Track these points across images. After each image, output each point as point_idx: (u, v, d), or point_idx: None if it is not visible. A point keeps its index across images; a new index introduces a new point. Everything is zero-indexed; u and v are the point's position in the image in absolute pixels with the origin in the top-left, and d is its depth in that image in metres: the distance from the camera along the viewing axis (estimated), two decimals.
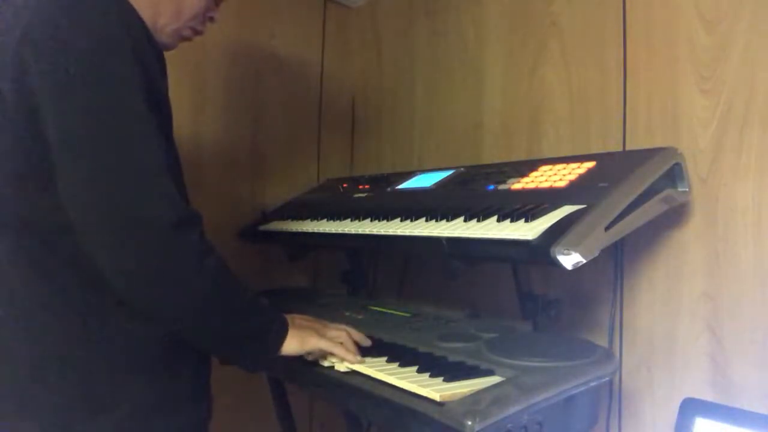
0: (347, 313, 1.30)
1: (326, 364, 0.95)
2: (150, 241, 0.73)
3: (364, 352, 0.97)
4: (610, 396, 1.20)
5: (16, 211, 0.78)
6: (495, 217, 0.95)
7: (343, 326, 1.00)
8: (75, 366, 0.78)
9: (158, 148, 0.78)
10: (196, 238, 0.78)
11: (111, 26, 0.76)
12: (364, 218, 1.21)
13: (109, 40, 0.75)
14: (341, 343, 0.95)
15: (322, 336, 0.94)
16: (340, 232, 1.21)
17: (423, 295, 1.56)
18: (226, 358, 0.91)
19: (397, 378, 0.84)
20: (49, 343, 0.78)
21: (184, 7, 0.95)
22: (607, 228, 0.86)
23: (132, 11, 0.80)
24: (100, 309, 0.79)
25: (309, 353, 0.93)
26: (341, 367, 0.94)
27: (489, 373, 0.86)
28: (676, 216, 1.11)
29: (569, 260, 0.79)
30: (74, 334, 0.78)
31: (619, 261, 1.21)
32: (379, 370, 0.88)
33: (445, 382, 0.81)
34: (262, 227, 1.53)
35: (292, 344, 0.89)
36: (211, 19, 1.04)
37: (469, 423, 0.69)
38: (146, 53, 0.79)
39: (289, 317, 0.92)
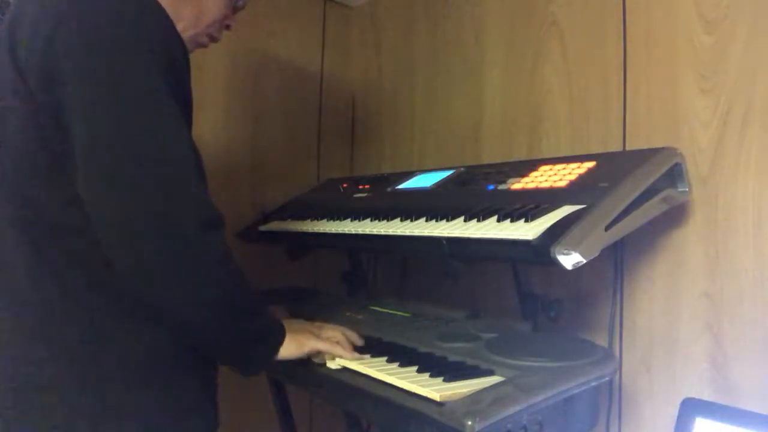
0: (347, 313, 1.29)
1: (317, 360, 0.96)
2: (176, 241, 0.72)
3: (364, 351, 0.98)
4: (610, 396, 1.20)
5: (30, 206, 0.77)
6: (495, 217, 0.95)
7: (338, 327, 1.01)
8: (84, 371, 0.76)
9: (187, 146, 0.77)
10: (220, 240, 0.78)
11: (143, 21, 0.76)
12: (364, 218, 1.21)
13: (141, 35, 0.75)
14: (338, 343, 0.96)
15: (319, 337, 0.95)
16: (340, 232, 1.21)
17: (423, 295, 1.56)
18: (223, 361, 0.91)
19: (397, 378, 0.84)
20: (54, 345, 0.76)
21: (204, 13, 0.96)
22: (607, 228, 0.86)
23: (162, 9, 0.79)
24: (108, 313, 0.78)
25: (307, 355, 0.93)
26: (333, 364, 0.94)
27: (489, 373, 0.86)
28: (676, 216, 1.11)
29: (569, 260, 0.79)
30: (81, 337, 0.77)
31: (619, 261, 1.21)
32: (379, 370, 0.88)
33: (445, 382, 0.81)
34: (262, 227, 1.53)
35: (290, 348, 0.90)
36: (228, 27, 1.04)
37: (469, 423, 0.69)
38: (175, 50, 0.79)
39: (284, 321, 0.92)
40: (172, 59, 0.78)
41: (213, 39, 1.02)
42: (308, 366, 0.97)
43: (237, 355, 0.87)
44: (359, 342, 1.01)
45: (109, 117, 0.72)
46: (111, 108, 0.72)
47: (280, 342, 0.89)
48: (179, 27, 0.89)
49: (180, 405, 0.82)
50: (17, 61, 0.76)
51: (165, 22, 0.79)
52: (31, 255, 0.77)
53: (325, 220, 1.32)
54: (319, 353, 0.95)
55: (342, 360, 0.94)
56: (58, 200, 0.76)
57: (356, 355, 0.95)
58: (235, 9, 1.03)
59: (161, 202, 0.72)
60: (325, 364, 0.95)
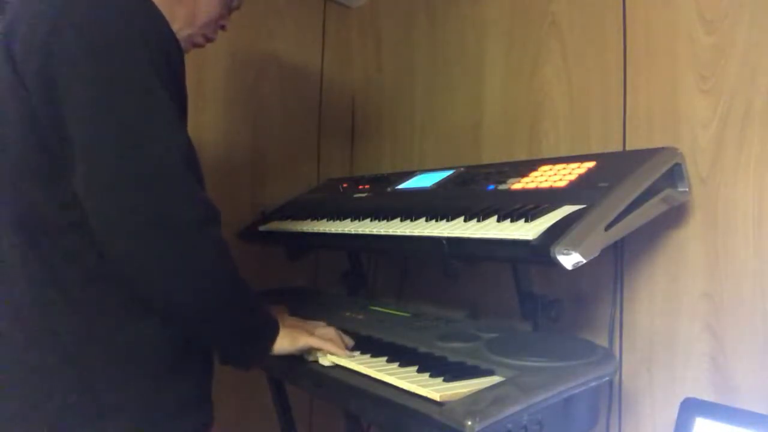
0: (347, 313, 1.29)
1: (310, 358, 0.97)
2: (173, 238, 0.74)
3: (365, 351, 0.98)
4: (610, 396, 1.20)
5: (27, 205, 0.77)
6: (495, 217, 0.95)
7: (331, 325, 1.02)
8: (79, 368, 0.77)
9: (183, 144, 0.78)
10: (217, 236, 0.79)
11: (139, 22, 0.77)
12: (364, 218, 1.21)
13: (137, 36, 0.75)
14: (331, 340, 0.97)
15: (312, 334, 0.96)
16: (340, 232, 1.21)
17: (423, 295, 1.56)
18: (218, 355, 0.92)
19: (397, 378, 0.84)
20: (52, 343, 0.77)
21: (198, 13, 0.96)
22: (607, 228, 0.86)
23: (156, 9, 0.80)
24: (103, 310, 0.78)
25: (300, 351, 0.95)
26: (324, 361, 0.96)
27: (489, 373, 0.86)
28: (676, 216, 1.11)
29: (569, 260, 0.79)
30: (78, 334, 0.77)
31: (619, 261, 1.21)
32: (379, 370, 0.88)
33: (445, 382, 0.81)
34: (262, 227, 1.53)
35: (284, 343, 0.91)
36: (223, 27, 1.05)
37: (469, 423, 0.69)
38: (171, 49, 0.80)
39: (279, 317, 0.93)
40: (168, 59, 0.79)
41: (208, 39, 1.03)
42: (308, 365, 0.97)
43: (232, 349, 0.88)
44: (350, 343, 1.02)
45: (106, 116, 0.73)
46: (108, 107, 0.73)
47: (274, 337, 0.90)
48: (174, 27, 0.90)
49: (174, 401, 0.83)
50: (15, 63, 0.76)
51: (160, 21, 0.80)
52: (27, 254, 0.77)
53: (325, 220, 1.32)
54: (311, 350, 0.96)
55: (333, 357, 0.95)
56: (54, 200, 0.76)
57: (348, 352, 0.96)
58: (230, 9, 1.04)
59: (158, 199, 0.73)
60: (317, 360, 0.96)
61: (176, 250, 0.74)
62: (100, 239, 0.74)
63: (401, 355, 0.95)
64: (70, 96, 0.73)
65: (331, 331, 1.00)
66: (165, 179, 0.74)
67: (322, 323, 1.02)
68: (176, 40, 0.82)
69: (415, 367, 0.87)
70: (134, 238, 0.72)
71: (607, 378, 0.88)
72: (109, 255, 0.74)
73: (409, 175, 1.45)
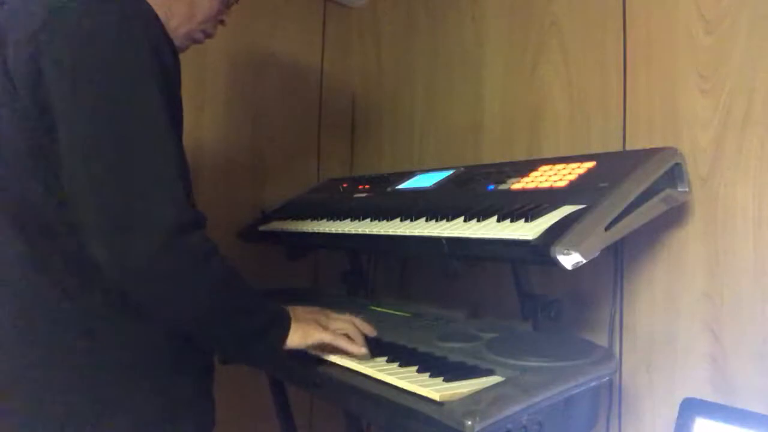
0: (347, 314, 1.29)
1: (333, 359, 0.94)
2: (153, 243, 0.72)
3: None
4: (610, 396, 1.20)
5: (24, 206, 0.77)
6: (495, 217, 0.95)
7: (348, 316, 0.98)
8: (78, 370, 0.77)
9: (169, 149, 0.77)
10: (198, 240, 0.77)
11: (130, 23, 0.76)
12: (364, 218, 1.21)
13: (128, 38, 0.75)
14: (345, 335, 0.93)
15: (326, 329, 0.92)
16: (340, 232, 1.21)
17: (423, 295, 1.56)
18: (229, 356, 0.91)
19: (397, 378, 0.84)
20: (49, 344, 0.77)
21: (196, 9, 0.95)
22: (607, 228, 0.86)
23: (150, 10, 0.79)
24: (102, 311, 0.78)
25: (312, 346, 0.91)
26: (333, 358, 0.93)
27: (489, 373, 0.86)
28: (676, 216, 1.11)
29: (569, 260, 0.79)
30: (77, 336, 0.77)
31: (619, 261, 1.21)
32: (379, 370, 0.88)
33: (445, 382, 0.81)
34: (262, 227, 1.53)
35: (295, 338, 0.88)
36: (222, 22, 1.04)
37: (469, 423, 0.69)
38: (164, 52, 0.79)
39: (291, 309, 0.90)
40: (161, 61, 0.78)
41: (208, 35, 1.02)
42: (308, 365, 0.96)
43: (240, 349, 0.87)
44: (372, 332, 0.98)
45: (91, 119, 0.72)
46: (93, 110, 0.73)
47: (284, 333, 0.87)
48: (172, 24, 0.89)
49: (174, 403, 0.83)
50: (6, 62, 0.76)
51: (153, 22, 0.79)
52: (27, 255, 0.77)
53: (325, 220, 1.32)
54: (324, 345, 0.92)
55: (337, 357, 0.93)
56: (51, 200, 0.76)
57: (362, 351, 0.92)
58: (228, 4, 1.03)
59: (136, 204, 0.72)
60: (336, 363, 0.93)
61: (155, 255, 0.72)
62: (84, 241, 0.73)
63: (401, 355, 0.95)
64: (56, 96, 0.73)
65: (347, 325, 0.95)
66: (148, 183, 0.73)
67: (338, 314, 0.97)
68: (170, 40, 0.82)
69: (415, 367, 0.87)
70: (114, 241, 0.71)
71: (607, 378, 0.88)
72: (95, 258, 0.72)
73: (409, 175, 1.45)
